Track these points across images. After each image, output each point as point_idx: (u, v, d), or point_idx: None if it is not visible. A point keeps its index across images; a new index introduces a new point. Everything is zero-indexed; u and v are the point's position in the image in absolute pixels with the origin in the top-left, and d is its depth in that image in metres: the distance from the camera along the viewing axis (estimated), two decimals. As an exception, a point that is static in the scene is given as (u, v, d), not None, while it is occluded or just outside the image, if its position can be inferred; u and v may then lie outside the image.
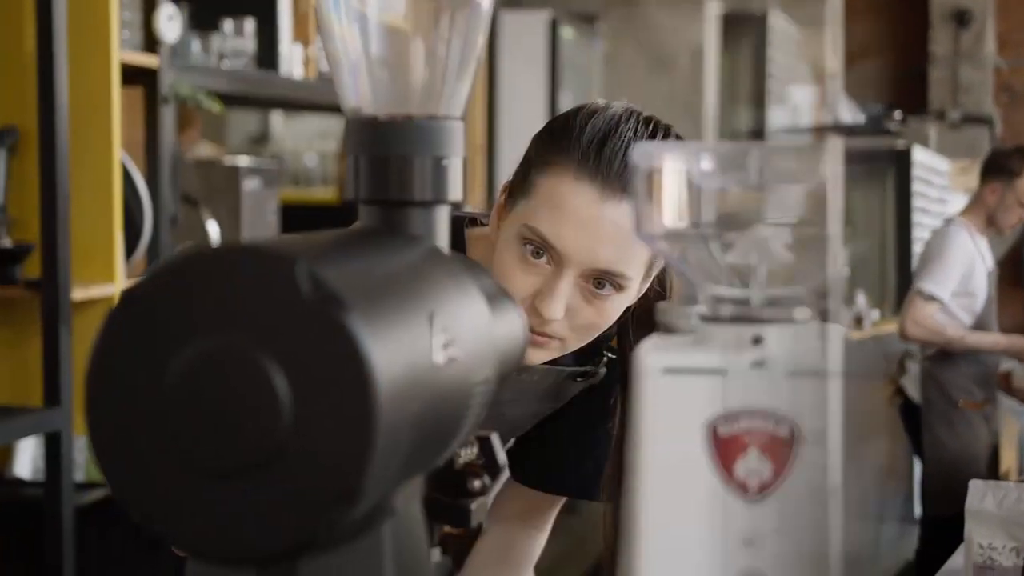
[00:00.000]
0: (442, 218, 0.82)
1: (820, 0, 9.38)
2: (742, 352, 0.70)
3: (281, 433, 0.61)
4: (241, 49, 3.16)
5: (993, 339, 4.41)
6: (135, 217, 2.66)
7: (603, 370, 1.46)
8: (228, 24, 3.17)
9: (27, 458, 2.73)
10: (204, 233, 3.03)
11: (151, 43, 2.77)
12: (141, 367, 0.64)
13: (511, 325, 0.88)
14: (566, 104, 5.74)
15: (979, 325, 4.41)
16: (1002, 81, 9.80)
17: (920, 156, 6.96)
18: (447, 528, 0.97)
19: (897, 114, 6.59)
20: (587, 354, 1.45)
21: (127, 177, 2.64)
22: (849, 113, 5.86)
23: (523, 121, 4.20)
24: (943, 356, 4.37)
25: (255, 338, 0.62)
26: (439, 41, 0.83)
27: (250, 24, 3.22)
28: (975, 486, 1.99)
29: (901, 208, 7.04)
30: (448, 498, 0.88)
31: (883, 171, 6.93)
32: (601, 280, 1.29)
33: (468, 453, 0.89)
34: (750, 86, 7.24)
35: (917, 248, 7.12)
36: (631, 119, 1.30)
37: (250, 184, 3.21)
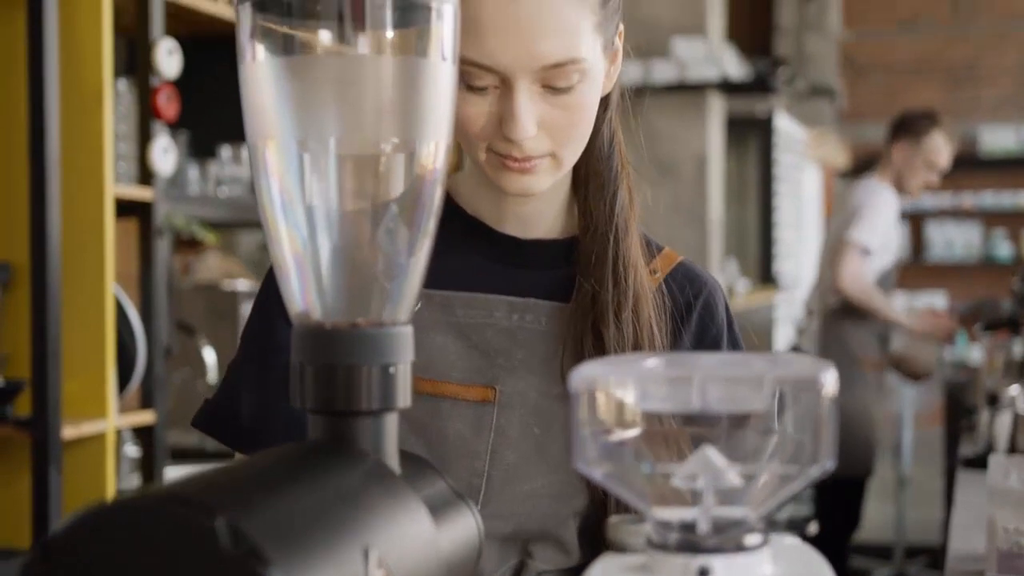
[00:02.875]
0: (391, 425, 0.81)
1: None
2: (688, 585, 0.68)
3: None
4: (238, 176, 3.17)
5: (912, 320, 4.36)
6: (129, 350, 2.65)
7: None
8: (225, 150, 3.19)
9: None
10: (200, 362, 3.02)
11: (146, 174, 2.78)
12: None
13: (462, 532, 0.85)
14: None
15: (881, 282, 4.35)
16: (846, 54, 9.95)
17: (782, 123, 7.00)
18: None
19: (782, 71, 6.53)
20: None
21: (120, 310, 2.63)
22: (735, 67, 5.85)
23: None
24: (847, 310, 4.26)
25: (174, 594, 0.60)
26: (386, 245, 0.82)
27: (247, 151, 3.23)
28: (996, 462, 1.79)
29: (764, 175, 7.08)
30: None
31: (746, 136, 6.99)
32: (555, 86, 1.14)
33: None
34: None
35: (778, 217, 7.17)
36: None
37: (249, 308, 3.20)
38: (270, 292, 1.31)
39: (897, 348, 4.47)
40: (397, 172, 0.81)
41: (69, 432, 2.49)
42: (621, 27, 1.25)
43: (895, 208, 4.35)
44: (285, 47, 0.81)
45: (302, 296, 0.82)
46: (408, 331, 0.82)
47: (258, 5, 0.79)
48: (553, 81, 1.14)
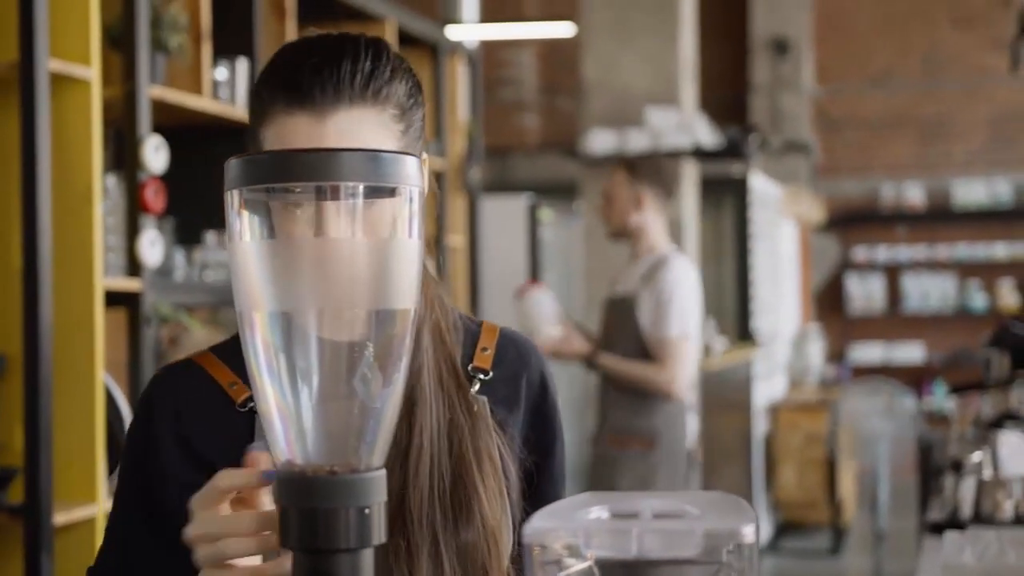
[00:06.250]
0: (367, 561, 0.90)
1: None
2: None
3: None
4: (223, 261, 3.26)
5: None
6: (118, 436, 2.73)
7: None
8: (211, 236, 3.28)
9: None
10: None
11: (135, 266, 2.87)
12: None
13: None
14: (549, 280, 5.91)
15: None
16: (820, 110, 10.16)
17: (756, 183, 7.15)
18: None
19: (753, 137, 6.61)
20: None
21: (110, 397, 2.72)
22: (707, 136, 5.93)
23: (506, 303, 4.27)
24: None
25: None
26: (361, 397, 0.92)
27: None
28: (951, 538, 1.87)
29: (740, 235, 7.19)
30: None
31: (721, 198, 7.12)
32: None
33: None
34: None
35: (755, 275, 7.29)
36: (327, 36, 1.23)
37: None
38: (142, 446, 1.30)
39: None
40: (371, 334, 0.91)
41: (60, 518, 2.57)
42: (426, 155, 1.25)
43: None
44: (270, 230, 0.91)
45: (286, 445, 0.92)
46: (381, 475, 0.91)
47: (246, 191, 0.89)
48: None
